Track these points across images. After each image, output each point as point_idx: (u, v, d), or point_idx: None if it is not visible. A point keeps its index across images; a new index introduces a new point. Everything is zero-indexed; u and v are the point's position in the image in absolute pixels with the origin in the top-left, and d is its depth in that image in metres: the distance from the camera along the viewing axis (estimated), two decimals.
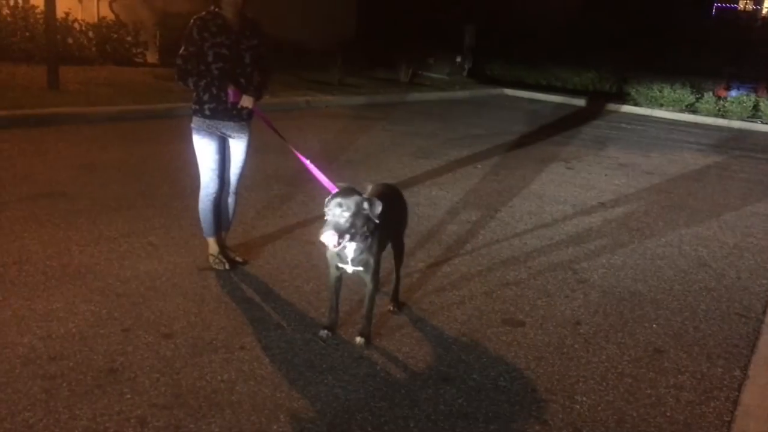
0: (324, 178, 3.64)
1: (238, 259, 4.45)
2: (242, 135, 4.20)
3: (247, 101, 4.03)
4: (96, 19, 13.66)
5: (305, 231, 5.13)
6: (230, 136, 4.18)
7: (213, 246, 4.36)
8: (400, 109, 12.66)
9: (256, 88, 4.11)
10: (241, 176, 4.37)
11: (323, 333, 3.56)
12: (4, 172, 5.97)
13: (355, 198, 3.18)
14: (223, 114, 4.06)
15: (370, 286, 3.48)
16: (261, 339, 3.49)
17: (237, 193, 4.43)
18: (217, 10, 3.97)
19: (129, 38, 13.70)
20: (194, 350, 3.32)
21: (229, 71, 3.97)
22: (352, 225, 3.15)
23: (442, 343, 3.64)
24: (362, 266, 3.40)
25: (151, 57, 14.18)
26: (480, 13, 19.97)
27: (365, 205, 3.18)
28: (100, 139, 7.70)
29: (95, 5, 14.02)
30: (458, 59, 18.98)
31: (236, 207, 4.49)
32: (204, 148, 4.12)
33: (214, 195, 4.23)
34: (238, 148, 4.24)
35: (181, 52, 3.95)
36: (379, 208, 3.19)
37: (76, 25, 12.93)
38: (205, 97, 4.02)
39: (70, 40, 12.59)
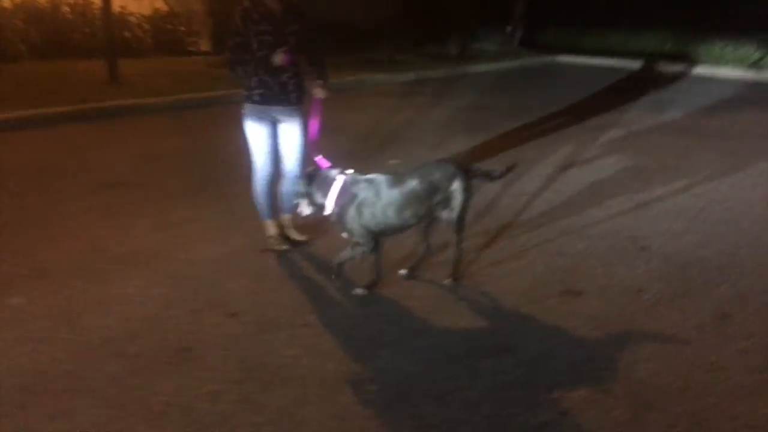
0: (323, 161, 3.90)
1: (301, 238, 4.57)
2: (293, 118, 4.26)
3: (320, 93, 4.08)
4: (150, 11, 14.03)
5: None
6: (281, 121, 4.26)
7: (271, 228, 4.50)
8: (451, 84, 12.57)
9: (319, 71, 4.18)
10: (301, 160, 4.40)
11: (358, 290, 3.87)
12: (73, 165, 6.27)
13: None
14: (271, 99, 4.14)
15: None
16: (322, 316, 3.60)
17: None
18: None
19: (182, 28, 14.02)
20: (259, 328, 3.45)
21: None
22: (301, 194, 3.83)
23: (501, 315, 3.67)
24: (345, 233, 3.80)
25: (204, 45, 14.47)
26: None
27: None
28: (160, 129, 7.97)
29: None
30: (509, 29, 18.63)
31: None
32: (255, 133, 4.24)
33: (267, 178, 4.35)
34: (290, 132, 4.30)
35: (228, 43, 4.07)
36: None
37: (132, 18, 13.31)
38: (253, 84, 4.12)
39: (127, 34, 12.98)
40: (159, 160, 6.57)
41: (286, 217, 4.60)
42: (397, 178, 3.74)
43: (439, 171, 3.80)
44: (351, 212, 3.69)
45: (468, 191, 3.86)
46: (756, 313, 3.72)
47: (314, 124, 4.05)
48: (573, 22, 18.27)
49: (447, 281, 3.99)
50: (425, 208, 3.77)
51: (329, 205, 3.72)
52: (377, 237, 3.81)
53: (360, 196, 3.68)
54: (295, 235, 4.59)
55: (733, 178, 6.38)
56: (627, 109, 10.08)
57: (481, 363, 3.18)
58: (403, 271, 4.08)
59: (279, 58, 3.95)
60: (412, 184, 3.70)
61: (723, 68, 14.80)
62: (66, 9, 12.64)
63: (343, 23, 15.10)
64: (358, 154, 6.74)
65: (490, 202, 5.52)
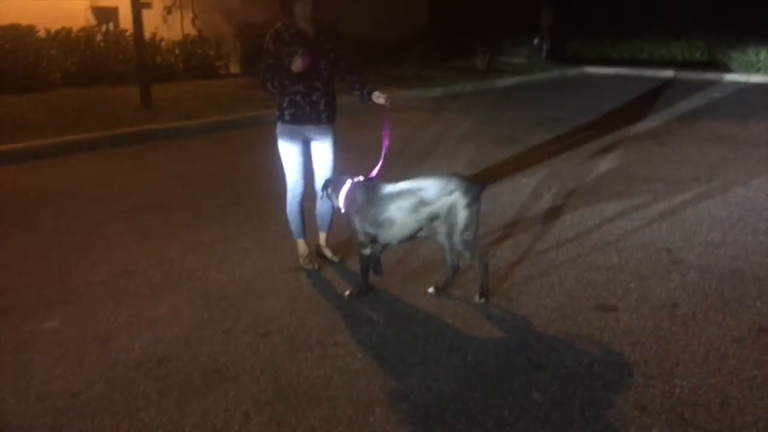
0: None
1: (335, 257, 4.58)
2: (324, 137, 4.29)
3: (384, 101, 4.16)
4: (180, 36, 14.35)
5: None
6: (313, 139, 4.30)
7: (302, 247, 4.53)
8: (479, 97, 12.56)
9: (363, 86, 4.23)
10: None
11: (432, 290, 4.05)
12: (108, 188, 6.41)
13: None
14: (302, 118, 4.18)
15: None
16: (353, 334, 3.60)
17: None
18: (291, 21, 4.09)
19: (212, 52, 14.31)
20: (291, 348, 3.46)
21: (305, 77, 4.06)
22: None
23: (533, 332, 3.62)
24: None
25: (234, 67, 14.76)
26: None
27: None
28: (193, 151, 8.11)
29: (179, 23, 14.73)
30: (536, 41, 18.58)
31: (334, 210, 4.44)
32: (287, 152, 4.28)
33: (299, 197, 4.40)
34: (322, 150, 4.33)
35: (261, 65, 4.12)
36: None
37: (163, 44, 13.62)
38: (285, 103, 4.17)
39: (158, 59, 13.28)
40: (192, 182, 6.68)
41: (321, 236, 4.63)
42: (390, 187, 3.83)
43: (435, 185, 3.70)
44: (351, 214, 3.93)
45: (470, 208, 3.68)
46: None
47: (386, 136, 4.14)
48: (601, 33, 18.17)
49: (477, 299, 3.95)
50: (413, 221, 3.75)
51: (341, 205, 4.01)
52: (378, 242, 3.97)
53: (358, 201, 3.90)
54: (329, 254, 4.62)
55: None
56: (658, 119, 9.94)
57: (515, 381, 3.14)
58: (431, 290, 4.06)
59: (297, 64, 3.92)
60: (399, 194, 3.76)
61: (756, 75, 14.51)
62: (99, 38, 12.99)
63: (370, 39, 15.25)
64: (389, 171, 6.74)
65: (519, 216, 5.48)
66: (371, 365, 3.29)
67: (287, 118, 4.19)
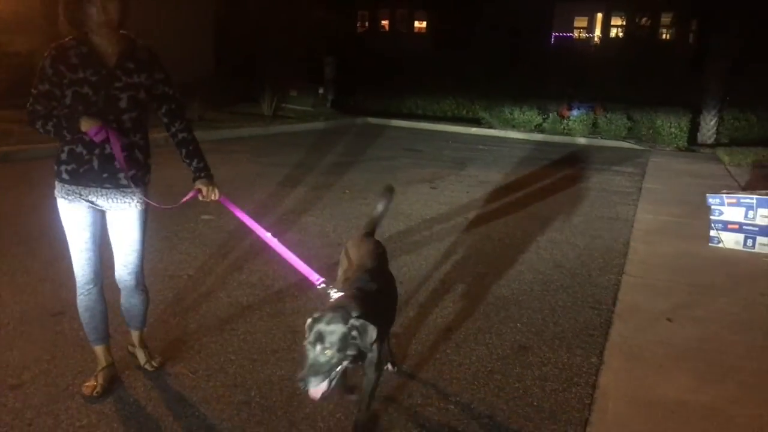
0: (301, 264, 3.11)
1: (149, 366, 3.39)
2: (124, 206, 3.07)
3: (211, 194, 3.28)
4: None
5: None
6: (107, 209, 3.05)
7: (102, 355, 3.24)
8: (264, 142, 12.59)
9: (202, 162, 3.27)
10: (139, 266, 3.22)
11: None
12: None
13: (341, 328, 2.50)
14: (87, 178, 2.93)
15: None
16: (125, 379, 3.29)
17: (142, 288, 3.30)
18: (84, 35, 2.87)
19: None
20: (48, 398, 3.07)
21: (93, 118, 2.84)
22: (339, 361, 2.51)
23: None
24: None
25: None
26: (341, 47, 20.52)
27: (354, 333, 2.52)
28: None
29: None
30: (321, 91, 19.24)
31: (147, 302, 3.37)
32: (69, 225, 3.00)
33: (90, 287, 3.12)
34: (120, 225, 3.09)
35: (32, 90, 2.86)
36: (373, 334, 2.54)
37: None
38: (63, 155, 2.93)
39: None
40: None
41: (134, 335, 3.43)
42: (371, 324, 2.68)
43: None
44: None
45: None
46: (550, 342, 4.04)
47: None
48: (381, 88, 19.47)
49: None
50: None
51: None
52: None
53: None
54: (142, 359, 3.41)
55: (526, 225, 6.98)
56: (431, 166, 10.73)
57: (299, 413, 3.08)
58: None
59: (86, 125, 2.79)
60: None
61: (513, 130, 16.42)
62: None
63: None
64: (172, 213, 6.41)
65: (306, 256, 5.49)
66: (143, 410, 3.03)
67: (65, 176, 2.93)
